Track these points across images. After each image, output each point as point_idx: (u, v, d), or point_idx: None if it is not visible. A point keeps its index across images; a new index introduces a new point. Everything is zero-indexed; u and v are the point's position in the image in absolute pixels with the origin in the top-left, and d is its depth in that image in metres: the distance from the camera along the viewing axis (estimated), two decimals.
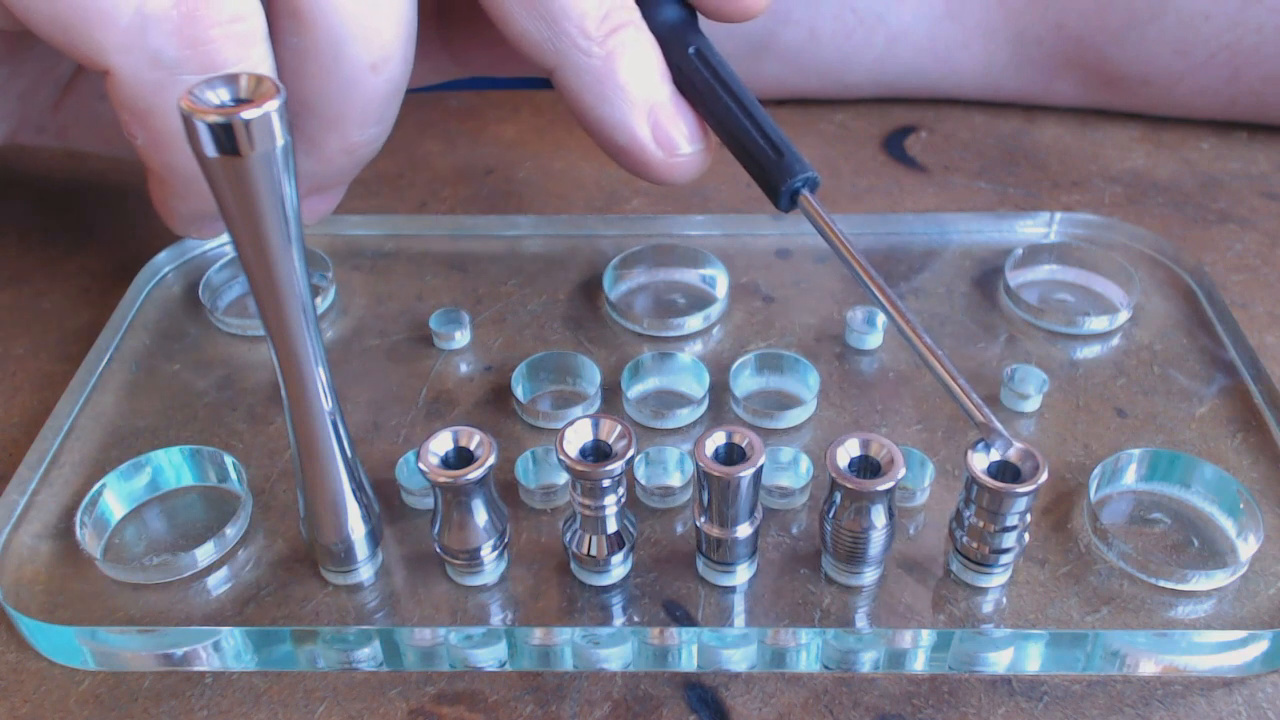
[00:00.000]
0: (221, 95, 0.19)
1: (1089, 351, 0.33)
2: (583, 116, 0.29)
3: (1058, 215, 0.37)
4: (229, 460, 0.29)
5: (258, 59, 0.25)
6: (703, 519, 0.25)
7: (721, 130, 0.29)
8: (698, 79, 0.29)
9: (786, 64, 0.44)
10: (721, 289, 0.35)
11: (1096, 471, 0.28)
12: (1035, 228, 0.37)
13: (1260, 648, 0.24)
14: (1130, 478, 0.29)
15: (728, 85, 0.29)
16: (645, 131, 0.29)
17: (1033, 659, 0.25)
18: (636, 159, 0.29)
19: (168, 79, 0.25)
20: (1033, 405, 0.30)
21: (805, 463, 0.28)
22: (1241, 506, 0.27)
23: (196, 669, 0.25)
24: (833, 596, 0.26)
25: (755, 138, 0.28)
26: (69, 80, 0.34)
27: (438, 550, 0.26)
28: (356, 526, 0.25)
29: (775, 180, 0.28)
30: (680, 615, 0.25)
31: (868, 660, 0.25)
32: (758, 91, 0.45)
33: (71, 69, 0.33)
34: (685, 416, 0.30)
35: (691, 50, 0.29)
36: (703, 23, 0.31)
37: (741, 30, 0.43)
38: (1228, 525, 0.27)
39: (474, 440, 0.25)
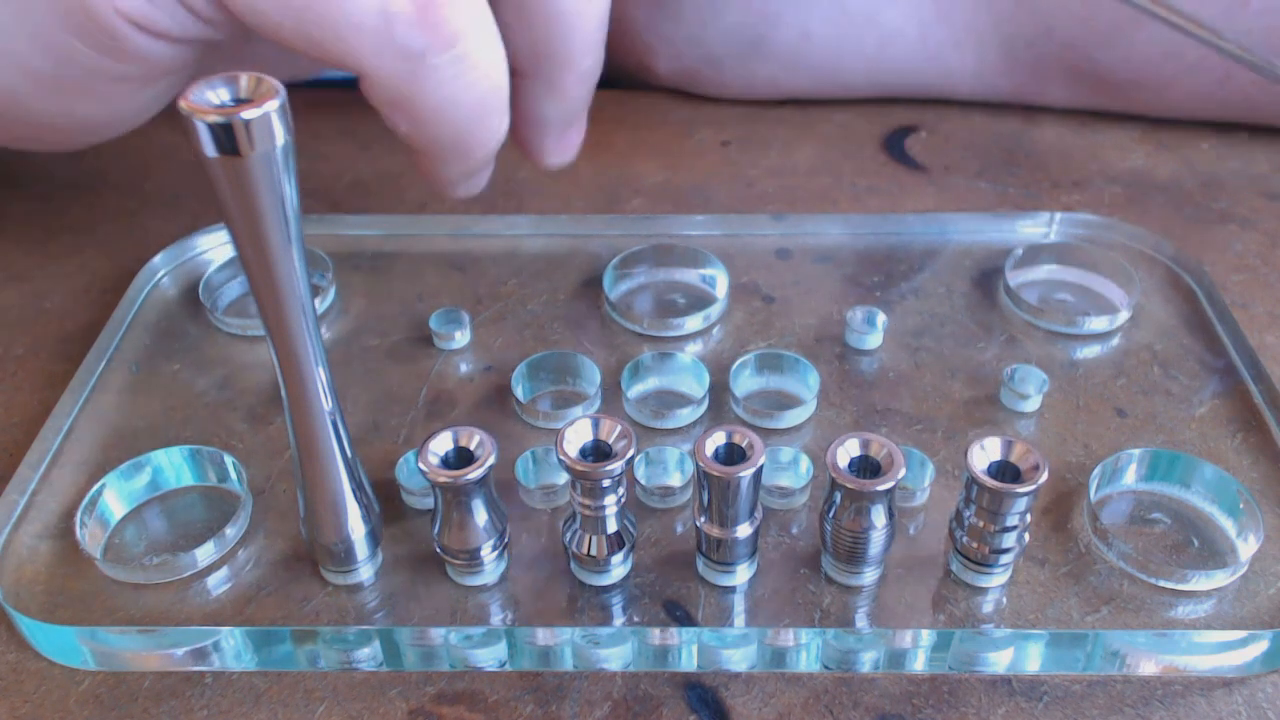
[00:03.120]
0: (221, 95, 0.19)
1: (1089, 351, 0.33)
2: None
3: (1058, 215, 0.37)
4: (229, 460, 0.29)
5: (487, 23, 0.27)
6: (703, 519, 0.25)
7: None
8: None
9: (780, 64, 0.44)
10: (721, 289, 0.35)
11: (1096, 471, 0.28)
12: (1035, 228, 0.37)
13: (1260, 648, 0.24)
14: (1130, 478, 0.29)
15: None
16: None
17: (1033, 659, 0.25)
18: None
19: (418, 66, 0.27)
20: (1033, 405, 0.30)
21: (805, 463, 0.28)
22: (1241, 506, 0.27)
23: (196, 669, 0.25)
24: (833, 596, 0.26)
25: None
26: None
27: (438, 550, 0.26)
28: (356, 526, 0.25)
29: None
30: (680, 615, 0.25)
31: (868, 660, 0.25)
32: (751, 92, 0.45)
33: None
34: (685, 416, 0.30)
35: None
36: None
37: (734, 31, 0.43)
38: (1228, 525, 0.27)
39: (474, 440, 0.25)
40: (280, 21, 0.26)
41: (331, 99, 0.47)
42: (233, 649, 0.25)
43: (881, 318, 0.33)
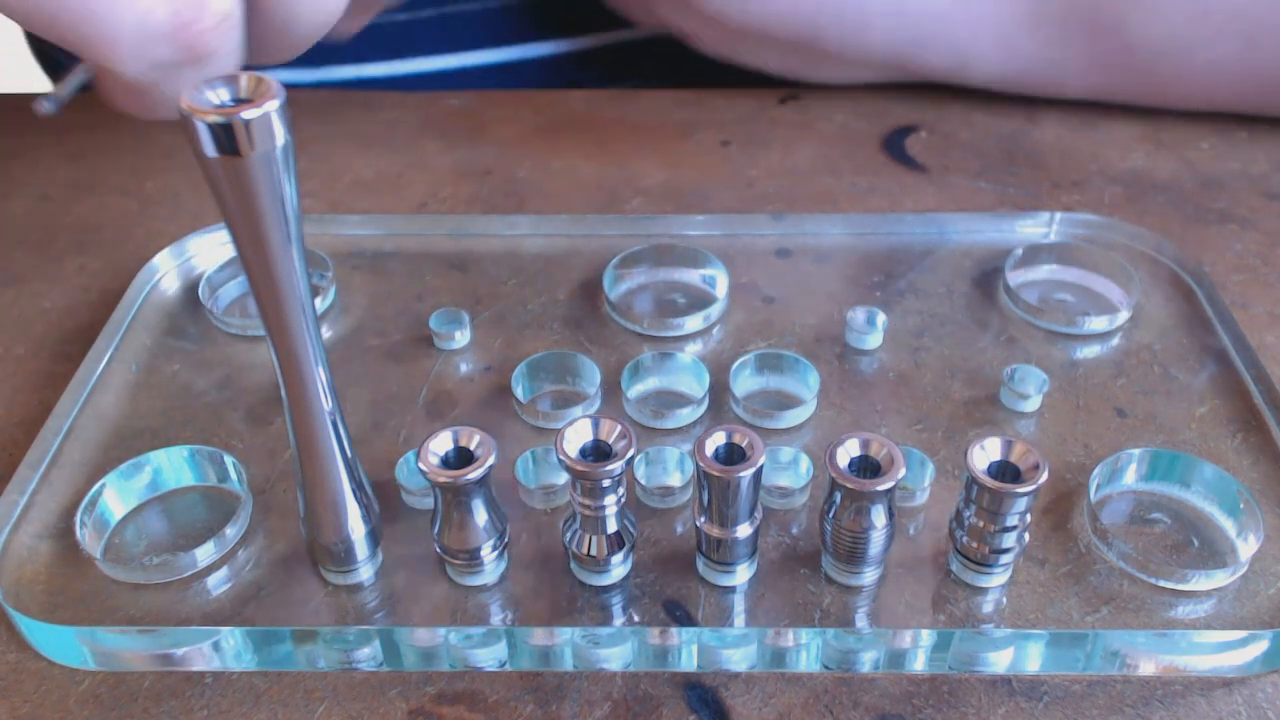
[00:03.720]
0: (221, 95, 0.19)
1: (1089, 351, 0.33)
2: None
3: (1058, 215, 0.37)
4: (229, 460, 0.29)
5: (235, 35, 0.29)
6: (703, 519, 0.25)
7: None
8: None
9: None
10: (721, 289, 0.35)
11: (1096, 471, 0.28)
12: (1035, 228, 0.37)
13: (1260, 648, 0.24)
14: (1130, 478, 0.29)
15: None
16: None
17: (1033, 659, 0.25)
18: None
19: (164, 74, 0.29)
20: (1033, 405, 0.30)
21: (805, 463, 0.28)
22: (1241, 506, 0.27)
23: (196, 669, 0.25)
24: (833, 596, 0.26)
25: None
26: None
27: (438, 550, 0.26)
28: (356, 526, 0.25)
29: None
30: (680, 615, 0.25)
31: (868, 660, 0.25)
32: (766, 26, 0.42)
33: None
34: (685, 416, 0.30)
35: None
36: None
37: None
38: (1228, 525, 0.27)
39: (474, 440, 0.25)
40: (41, 22, 0.27)
41: (331, 99, 0.47)
42: (233, 649, 0.25)
43: (881, 318, 0.33)
